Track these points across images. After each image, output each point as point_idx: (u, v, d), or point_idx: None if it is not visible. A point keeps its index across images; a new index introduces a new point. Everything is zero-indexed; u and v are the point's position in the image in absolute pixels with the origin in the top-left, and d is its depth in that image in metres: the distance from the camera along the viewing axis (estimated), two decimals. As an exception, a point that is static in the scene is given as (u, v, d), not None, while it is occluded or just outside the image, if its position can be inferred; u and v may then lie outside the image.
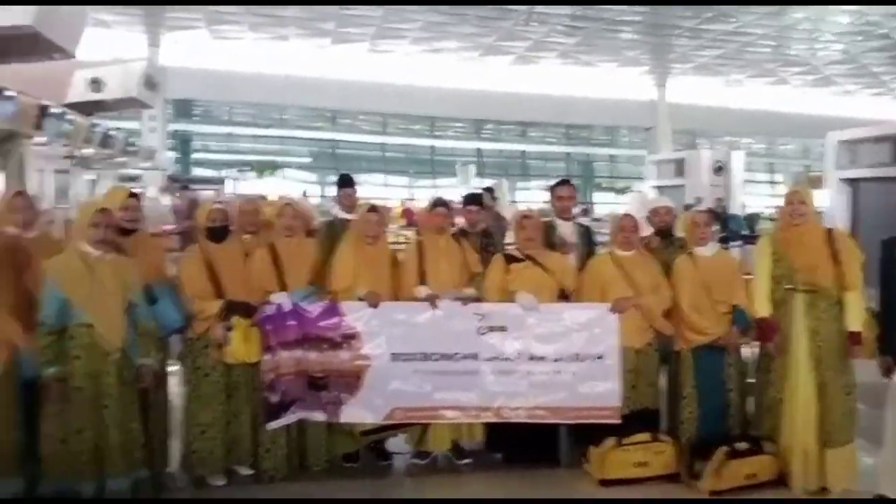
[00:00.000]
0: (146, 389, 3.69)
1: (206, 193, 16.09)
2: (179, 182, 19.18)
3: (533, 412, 4.40)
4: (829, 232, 4.31)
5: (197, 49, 20.75)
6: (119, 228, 3.76)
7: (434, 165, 26.51)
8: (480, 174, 21.99)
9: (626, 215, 4.63)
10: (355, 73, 22.05)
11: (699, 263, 4.45)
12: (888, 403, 3.79)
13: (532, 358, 4.40)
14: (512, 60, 21.43)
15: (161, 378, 3.90)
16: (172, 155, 23.64)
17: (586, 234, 5.03)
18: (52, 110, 13.35)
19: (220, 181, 22.38)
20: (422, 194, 26.40)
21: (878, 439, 3.89)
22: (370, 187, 23.92)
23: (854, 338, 4.14)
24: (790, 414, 4.22)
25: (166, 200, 16.01)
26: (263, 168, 27.13)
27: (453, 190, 21.05)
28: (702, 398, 4.38)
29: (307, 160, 28.24)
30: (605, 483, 4.28)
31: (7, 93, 11.39)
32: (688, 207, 9.15)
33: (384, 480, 4.45)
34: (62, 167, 16.62)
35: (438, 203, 4.67)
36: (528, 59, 21.29)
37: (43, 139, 14.26)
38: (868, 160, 10.50)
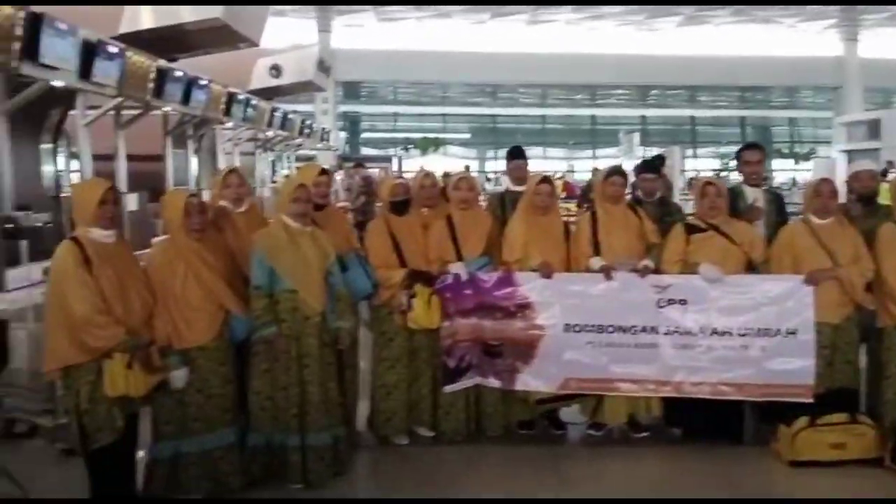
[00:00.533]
0: (341, 351, 3.94)
1: (373, 171, 16.82)
2: (349, 161, 20.14)
3: (716, 388, 4.24)
4: None
5: (364, 32, 21.60)
6: (312, 203, 4.01)
7: (595, 135, 25.92)
8: (644, 142, 21.19)
9: (824, 180, 4.28)
10: (515, 45, 21.97)
11: (908, 232, 4.04)
12: None
13: (715, 332, 4.22)
14: (679, 21, 20.38)
15: (353, 341, 4.15)
16: (343, 135, 24.83)
17: (777, 202, 4.71)
18: (239, 97, 14.49)
19: (387, 159, 23.28)
20: (582, 165, 25.90)
21: None
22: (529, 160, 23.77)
23: None
24: None
25: (338, 178, 16.90)
26: (426, 145, 27.89)
27: (615, 160, 20.48)
28: (909, 379, 4.00)
29: (466, 136, 28.61)
30: (796, 464, 4.04)
31: (202, 81, 12.49)
32: (884, 173, 8.31)
33: (559, 449, 4.47)
34: (247, 150, 18.04)
35: (614, 171, 4.56)
36: (697, 19, 20.15)
37: (230, 124, 15.51)
38: None
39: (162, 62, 11.10)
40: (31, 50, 8.03)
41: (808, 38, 22.07)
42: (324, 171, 4.25)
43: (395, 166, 21.68)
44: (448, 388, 4.36)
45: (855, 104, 21.86)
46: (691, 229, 4.36)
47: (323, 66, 14.92)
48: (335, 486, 3.82)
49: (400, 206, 4.39)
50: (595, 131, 25.89)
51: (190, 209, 3.57)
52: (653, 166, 4.89)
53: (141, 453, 3.64)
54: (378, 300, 4.32)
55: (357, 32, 21.26)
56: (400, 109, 27.12)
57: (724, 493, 3.87)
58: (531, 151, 25.03)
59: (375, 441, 4.43)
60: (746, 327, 4.19)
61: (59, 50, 8.56)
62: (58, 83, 9.18)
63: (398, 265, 4.31)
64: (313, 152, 22.13)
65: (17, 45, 7.67)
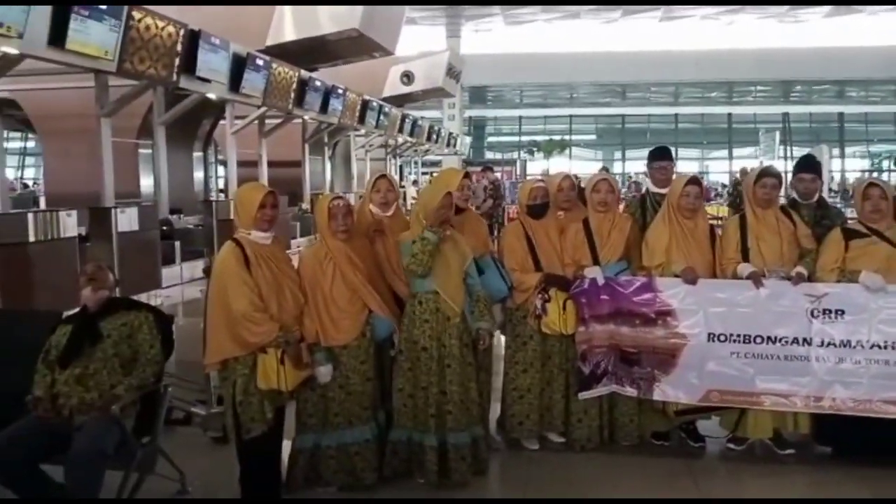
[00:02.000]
0: (478, 352, 3.96)
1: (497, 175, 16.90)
2: (474, 165, 20.36)
3: (877, 406, 3.94)
4: None
5: (492, 37, 21.78)
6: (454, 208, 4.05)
7: (731, 134, 24.79)
8: (786, 141, 19.99)
9: None
10: (646, 43, 21.40)
11: None
12: None
13: (877, 346, 3.92)
14: (827, 12, 19.05)
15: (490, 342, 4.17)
16: (468, 140, 25.12)
17: (949, 205, 4.29)
18: (372, 104, 15.04)
19: (512, 163, 23.30)
20: (717, 166, 24.86)
21: None
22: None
23: None
24: None
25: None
26: (551, 148, 27.65)
27: (753, 161, 19.44)
28: None
29: (592, 138, 28.16)
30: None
31: (339, 90, 13.08)
32: None
33: (697, 462, 4.28)
34: (377, 155, 18.68)
35: (766, 172, 4.31)
36: (846, 9, 18.78)
37: (363, 131, 16.11)
38: None
39: (303, 72, 11.73)
40: (188, 64, 8.76)
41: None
42: (466, 175, 4.30)
43: (518, 170, 21.65)
44: (583, 395, 4.28)
45: None
46: (850, 235, 4.07)
47: (452, 72, 15.19)
48: (470, 487, 3.83)
49: (538, 210, 4.36)
50: (732, 130, 24.75)
51: (334, 211, 3.71)
52: (811, 166, 4.54)
53: (286, 444, 3.82)
54: (513, 303, 4.31)
55: (485, 38, 21.42)
56: (525, 112, 27.10)
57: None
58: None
59: (505, 444, 4.42)
60: (914, 341, 3.86)
61: (212, 64, 9.28)
62: (211, 95, 9.93)
63: (534, 269, 4.28)
64: (440, 157, 22.51)
65: (177, 61, 8.38)
